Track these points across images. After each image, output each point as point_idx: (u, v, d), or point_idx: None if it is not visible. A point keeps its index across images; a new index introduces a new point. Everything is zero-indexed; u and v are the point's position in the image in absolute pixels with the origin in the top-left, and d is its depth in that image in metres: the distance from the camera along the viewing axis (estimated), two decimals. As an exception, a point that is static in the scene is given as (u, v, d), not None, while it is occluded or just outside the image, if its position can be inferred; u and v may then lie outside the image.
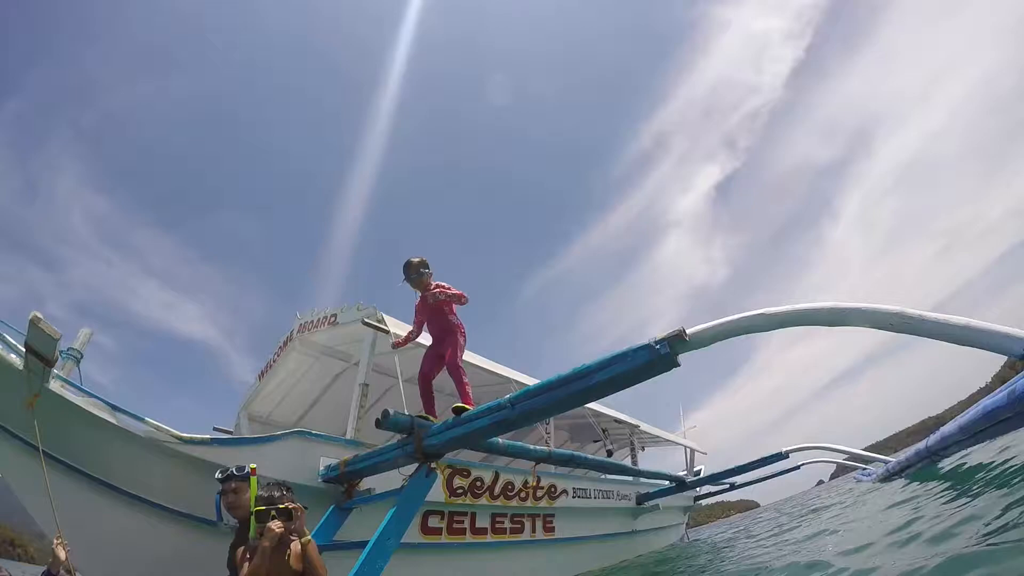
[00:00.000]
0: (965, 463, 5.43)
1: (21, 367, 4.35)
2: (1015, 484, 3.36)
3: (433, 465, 4.42)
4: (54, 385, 4.59)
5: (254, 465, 4.20)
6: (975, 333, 2.55)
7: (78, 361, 5.27)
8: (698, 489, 14.51)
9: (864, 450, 11.73)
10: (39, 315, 3.86)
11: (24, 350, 4.20)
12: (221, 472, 4.22)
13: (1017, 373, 2.90)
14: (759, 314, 3.06)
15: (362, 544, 4.78)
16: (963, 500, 3.62)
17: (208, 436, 5.30)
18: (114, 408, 4.91)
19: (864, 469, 13.24)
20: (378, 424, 4.35)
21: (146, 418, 4.98)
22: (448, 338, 5.85)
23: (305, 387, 9.86)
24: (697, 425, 18.01)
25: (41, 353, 4.18)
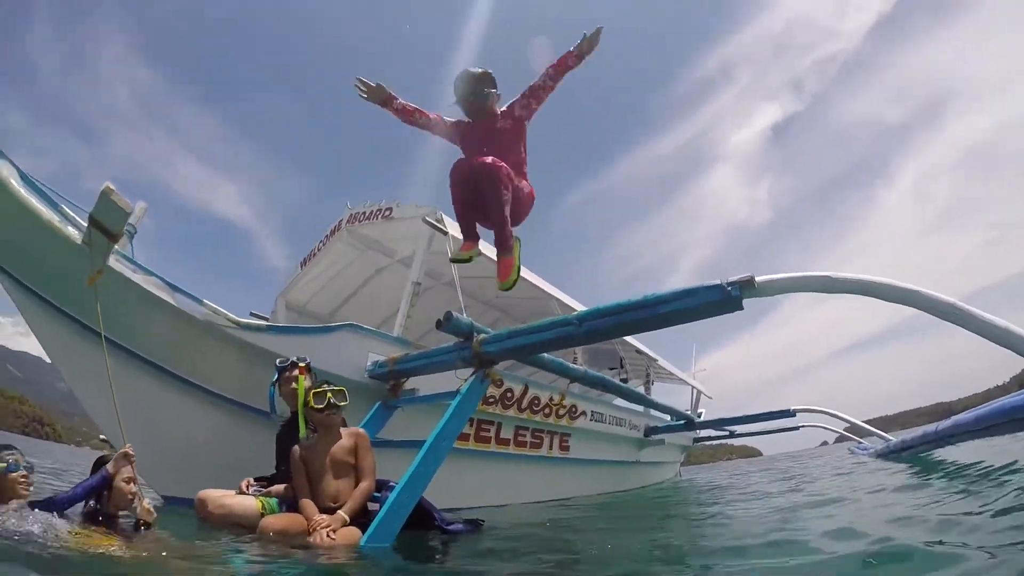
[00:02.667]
0: (970, 457, 5.58)
1: (80, 241, 4.18)
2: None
3: (487, 372, 4.52)
4: (114, 262, 4.42)
5: (304, 362, 4.41)
6: (1015, 338, 2.83)
7: (132, 237, 5.13)
8: (698, 431, 15.00)
9: (870, 423, 11.82)
10: (112, 186, 3.75)
11: (87, 223, 4.06)
12: (281, 360, 4.37)
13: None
14: (825, 276, 3.28)
15: (404, 443, 4.99)
16: (968, 492, 3.76)
17: (263, 323, 5.37)
18: (173, 288, 4.83)
19: (860, 443, 13.40)
20: (438, 326, 4.46)
21: (204, 300, 4.96)
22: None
23: (345, 279, 9.96)
24: (707, 369, 18.22)
25: (106, 227, 4.03)
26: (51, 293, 4.59)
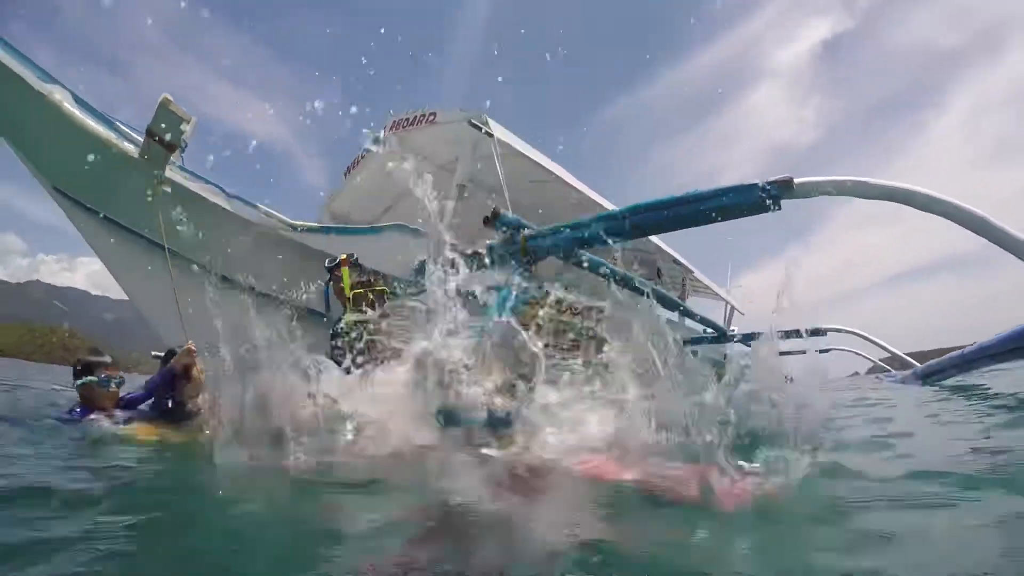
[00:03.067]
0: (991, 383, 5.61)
1: (137, 155, 4.29)
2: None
3: (533, 268, 4.77)
4: (171, 172, 4.55)
5: (345, 255, 4.56)
6: None
7: (183, 151, 5.04)
8: (730, 347, 15.14)
9: (910, 355, 11.38)
10: (169, 97, 3.85)
11: (145, 136, 4.17)
12: (330, 260, 4.54)
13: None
14: (862, 180, 3.41)
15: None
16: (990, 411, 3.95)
17: (319, 224, 5.59)
18: (229, 195, 4.95)
19: (890, 372, 13.13)
20: (486, 222, 4.67)
21: (259, 204, 5.09)
22: None
23: (387, 187, 9.97)
24: (743, 286, 17.91)
25: (165, 138, 4.13)
26: (111, 209, 4.67)
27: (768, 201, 3.44)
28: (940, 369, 7.53)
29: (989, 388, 5.49)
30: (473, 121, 6.74)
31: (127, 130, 4.45)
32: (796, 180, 3.44)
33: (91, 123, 4.26)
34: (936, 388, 6.98)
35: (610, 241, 4.18)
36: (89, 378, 3.48)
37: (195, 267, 4.85)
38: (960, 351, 6.41)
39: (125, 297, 5.18)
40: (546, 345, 7.35)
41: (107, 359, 3.62)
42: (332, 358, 4.49)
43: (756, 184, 3.50)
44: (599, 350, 8.50)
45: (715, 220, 3.71)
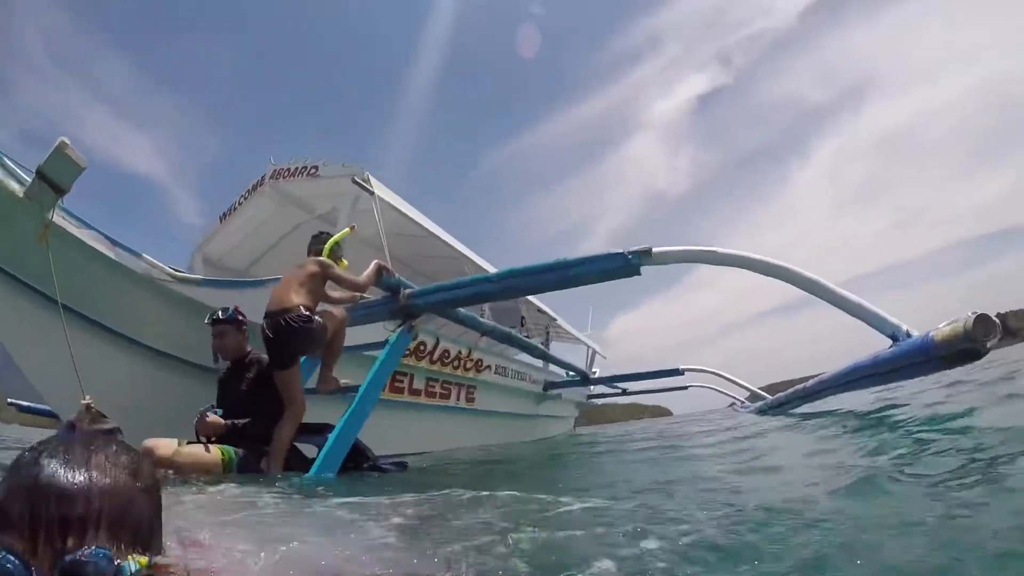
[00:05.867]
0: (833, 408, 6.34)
1: (21, 195, 4.03)
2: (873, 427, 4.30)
3: (413, 324, 4.89)
4: (58, 218, 4.25)
5: (227, 313, 4.53)
6: (864, 312, 3.61)
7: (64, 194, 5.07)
8: (592, 388, 15.97)
9: (763, 389, 12.55)
10: (67, 141, 3.71)
11: (36, 177, 3.91)
12: (209, 317, 4.31)
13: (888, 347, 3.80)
14: (711, 250, 3.87)
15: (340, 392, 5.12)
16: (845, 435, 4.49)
17: (199, 276, 5.43)
18: (113, 242, 4.77)
19: (742, 402, 14.12)
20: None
21: (143, 254, 4.93)
22: None
23: (263, 235, 9.94)
24: (597, 330, 18.71)
25: (55, 182, 3.91)
26: None
27: (630, 268, 3.81)
28: (787, 401, 8.29)
29: (825, 413, 6.21)
30: (356, 179, 6.89)
31: (12, 166, 4.16)
32: (655, 249, 3.83)
33: None
34: (782, 416, 7.75)
35: (485, 307, 4.42)
36: None
37: (77, 316, 4.68)
38: (803, 385, 7.12)
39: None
40: (419, 393, 7.58)
41: None
42: (220, 402, 4.34)
43: (621, 252, 3.86)
44: (469, 397, 8.81)
45: (580, 284, 4.04)
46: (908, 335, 3.50)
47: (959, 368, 3.51)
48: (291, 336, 4.13)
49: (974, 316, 3.06)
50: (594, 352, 17.36)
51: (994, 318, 3.08)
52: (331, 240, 4.54)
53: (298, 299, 4.23)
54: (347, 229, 4.80)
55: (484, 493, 2.28)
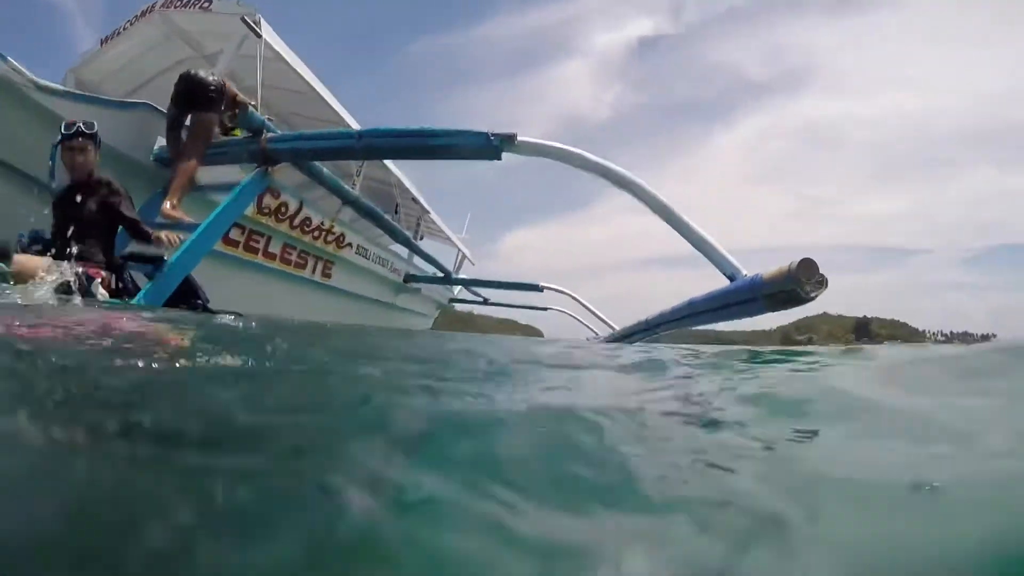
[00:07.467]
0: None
1: None
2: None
3: (270, 170, 4.78)
4: None
5: (92, 131, 4.21)
6: (708, 247, 3.66)
7: None
8: (455, 291, 16.35)
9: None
10: None
11: None
12: (66, 126, 4.13)
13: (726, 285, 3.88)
14: (579, 153, 3.86)
15: (181, 227, 5.00)
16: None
17: (63, 87, 5.10)
18: None
19: (596, 334, 14.37)
20: (231, 119, 4.69)
21: (7, 56, 4.57)
22: None
23: (144, 65, 9.29)
24: (470, 236, 18.61)
25: None
26: None
27: (491, 150, 3.73)
28: (631, 333, 8.64)
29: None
30: (245, 18, 6.58)
31: None
32: (519, 137, 3.78)
33: None
34: (624, 345, 8.07)
35: (357, 183, 4.30)
36: None
37: None
38: (646, 318, 7.42)
39: None
40: (273, 257, 7.36)
41: None
42: (57, 224, 4.09)
43: (485, 133, 3.79)
44: (325, 272, 8.62)
45: (443, 157, 4.00)
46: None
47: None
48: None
49: (800, 259, 3.15)
50: (463, 257, 17.43)
51: (818, 265, 3.19)
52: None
53: None
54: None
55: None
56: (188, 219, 4.71)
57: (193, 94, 5.22)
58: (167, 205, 4.78)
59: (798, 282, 3.17)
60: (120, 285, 3.96)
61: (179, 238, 3.94)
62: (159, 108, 5.58)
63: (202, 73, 5.29)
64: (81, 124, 4.08)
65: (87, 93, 6.63)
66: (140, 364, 1.71)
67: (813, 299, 3.31)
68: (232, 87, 5.59)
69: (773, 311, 3.63)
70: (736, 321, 4.09)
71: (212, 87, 5.17)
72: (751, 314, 3.96)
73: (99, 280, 3.71)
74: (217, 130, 5.19)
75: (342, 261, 9.09)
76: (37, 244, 4.01)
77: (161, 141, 5.48)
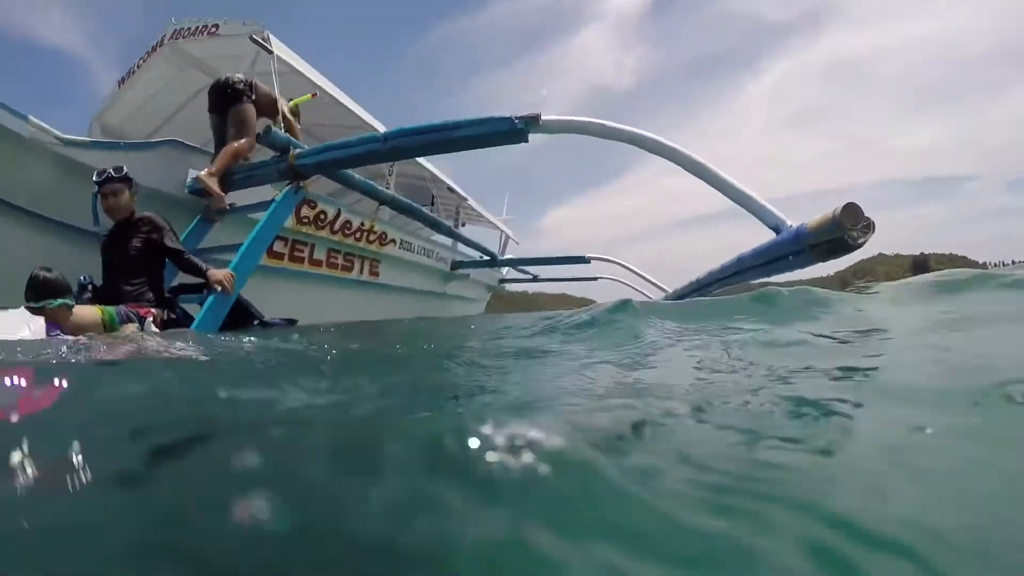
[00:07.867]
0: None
1: None
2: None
3: (302, 184, 4.87)
4: None
5: (121, 173, 4.35)
6: (748, 200, 3.56)
7: None
8: (503, 272, 16.17)
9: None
10: None
11: None
12: (98, 174, 4.20)
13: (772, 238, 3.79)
14: (601, 123, 3.82)
15: (224, 249, 5.19)
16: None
17: (87, 139, 5.21)
18: None
19: (647, 297, 14.43)
20: (258, 139, 4.75)
21: (29, 116, 4.69)
22: None
23: (164, 100, 9.43)
24: (512, 217, 18.54)
25: None
26: None
27: (517, 133, 3.72)
28: (684, 294, 8.55)
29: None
30: (254, 37, 6.62)
31: None
32: (543, 117, 3.76)
33: None
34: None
35: (391, 182, 4.35)
36: None
37: None
38: (697, 278, 7.33)
39: None
40: (319, 264, 7.50)
41: None
42: (106, 268, 4.27)
43: (508, 117, 3.78)
44: (373, 271, 8.72)
45: (470, 147, 4.02)
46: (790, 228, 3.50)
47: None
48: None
49: (843, 205, 3.05)
50: (507, 237, 17.35)
51: (862, 210, 3.08)
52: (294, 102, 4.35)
53: None
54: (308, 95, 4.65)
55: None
56: (218, 191, 5.02)
57: (223, 94, 5.62)
58: (203, 172, 5.07)
59: (844, 228, 3.05)
60: (171, 317, 4.07)
61: (231, 276, 4.05)
62: (182, 142, 5.76)
63: (226, 75, 5.67)
64: (111, 170, 4.22)
65: (112, 140, 6.93)
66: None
67: (861, 245, 3.18)
68: (283, 105, 6.08)
69: (823, 261, 3.48)
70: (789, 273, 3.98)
71: (239, 82, 5.62)
72: (801, 266, 3.83)
73: (151, 319, 3.84)
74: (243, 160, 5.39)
75: (387, 258, 9.17)
76: (86, 292, 4.13)
77: (193, 173, 5.56)
